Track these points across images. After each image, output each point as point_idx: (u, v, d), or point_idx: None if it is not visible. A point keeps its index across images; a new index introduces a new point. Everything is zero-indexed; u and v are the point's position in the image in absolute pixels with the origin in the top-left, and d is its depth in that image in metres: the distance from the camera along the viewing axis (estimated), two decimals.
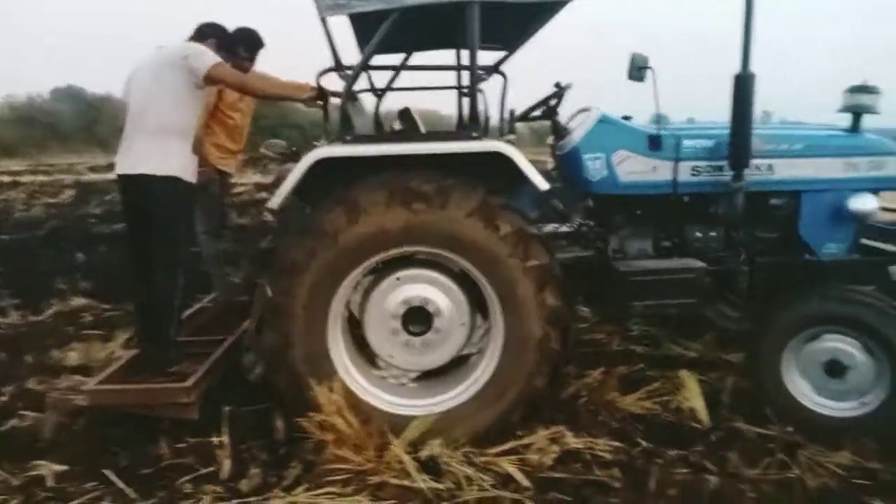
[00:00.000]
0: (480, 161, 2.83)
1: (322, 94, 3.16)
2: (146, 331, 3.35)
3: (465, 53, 3.99)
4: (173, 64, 3.14)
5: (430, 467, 2.68)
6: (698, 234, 3.46)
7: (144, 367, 3.16)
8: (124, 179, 3.22)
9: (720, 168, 3.34)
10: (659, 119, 3.43)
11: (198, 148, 4.04)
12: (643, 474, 2.64)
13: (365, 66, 2.95)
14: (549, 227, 3.78)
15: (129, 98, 3.25)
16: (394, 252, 2.86)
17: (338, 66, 2.94)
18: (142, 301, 3.36)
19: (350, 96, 2.95)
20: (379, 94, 4.04)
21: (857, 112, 3.47)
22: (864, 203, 3.34)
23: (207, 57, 3.16)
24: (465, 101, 4.28)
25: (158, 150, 3.12)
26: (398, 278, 2.95)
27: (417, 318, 2.96)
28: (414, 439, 2.81)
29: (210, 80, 3.19)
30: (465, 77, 4.15)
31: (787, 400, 3.19)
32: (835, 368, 3.12)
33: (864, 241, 3.58)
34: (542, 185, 2.84)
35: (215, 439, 2.90)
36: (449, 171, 2.82)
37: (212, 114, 4.39)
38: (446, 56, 4.11)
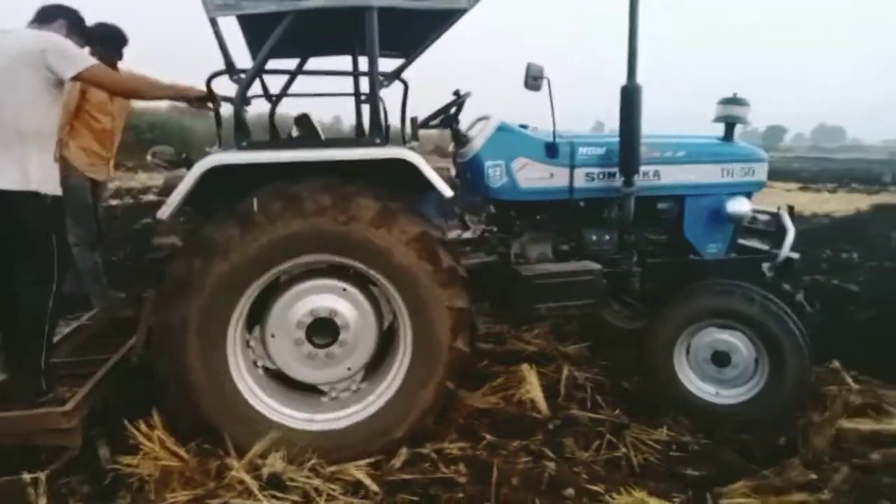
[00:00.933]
0: (382, 169, 2.80)
1: (212, 97, 3.00)
2: (12, 357, 3.01)
3: (363, 59, 4.00)
4: (27, 58, 2.71)
5: (275, 484, 2.60)
6: (594, 238, 3.60)
7: (14, 398, 2.82)
8: None
9: (612, 174, 3.50)
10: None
11: (58, 153, 3.74)
12: (487, 467, 2.70)
13: (259, 71, 2.84)
14: (453, 234, 3.82)
15: None
16: (293, 263, 2.77)
17: (230, 70, 2.81)
18: (6, 328, 3.01)
19: (243, 101, 2.82)
20: (273, 99, 3.91)
21: (729, 122, 3.76)
22: (739, 206, 3.62)
23: (76, 55, 2.83)
24: (365, 108, 4.26)
25: (15, 161, 2.74)
26: (344, 289, 2.89)
27: (322, 330, 2.88)
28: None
29: (81, 80, 2.90)
30: (365, 84, 4.14)
31: (678, 390, 3.39)
32: (720, 358, 3.35)
33: (741, 240, 3.87)
34: (447, 191, 2.85)
35: (27, 475, 2.56)
36: (349, 179, 2.77)
37: (76, 115, 4.07)
38: (343, 62, 4.06)
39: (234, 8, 2.59)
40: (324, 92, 3.97)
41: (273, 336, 2.86)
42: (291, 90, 3.86)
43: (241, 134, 2.75)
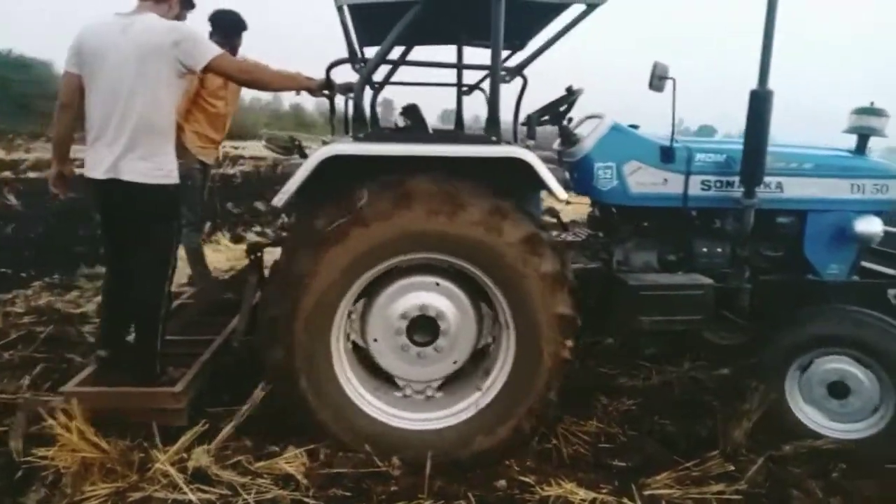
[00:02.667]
0: (494, 166, 2.70)
1: (332, 85, 2.97)
2: (117, 337, 3.10)
3: (469, 51, 3.91)
4: (160, 51, 2.74)
5: (201, 478, 2.53)
6: (705, 250, 3.41)
7: (131, 377, 2.90)
8: (105, 184, 2.82)
9: (731, 184, 3.30)
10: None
11: (179, 138, 3.81)
12: (421, 460, 2.65)
13: (383, 59, 2.78)
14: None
15: (96, 81, 2.78)
16: (400, 259, 2.71)
17: (352, 58, 2.76)
18: (117, 308, 3.10)
19: (363, 90, 2.77)
20: (376, 87, 3.88)
21: (863, 134, 3.47)
22: (869, 225, 3.34)
23: (206, 46, 2.85)
24: (467, 100, 4.17)
25: (147, 153, 2.79)
26: (437, 283, 2.82)
27: (424, 328, 2.82)
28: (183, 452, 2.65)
29: (211, 71, 2.92)
30: (470, 75, 4.05)
31: (790, 421, 3.17)
32: (839, 390, 3.11)
33: (864, 263, 3.59)
34: (562, 194, 2.72)
35: None
36: (459, 174, 2.68)
37: (193, 100, 4.14)
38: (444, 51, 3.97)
39: None
40: (427, 82, 3.91)
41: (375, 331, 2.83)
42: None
43: (360, 124, 2.70)
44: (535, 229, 2.72)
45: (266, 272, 3.22)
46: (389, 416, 2.84)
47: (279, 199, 2.61)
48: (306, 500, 2.47)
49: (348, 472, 2.63)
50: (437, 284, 2.84)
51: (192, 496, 2.41)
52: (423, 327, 2.83)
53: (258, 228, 7.79)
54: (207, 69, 2.87)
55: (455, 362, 2.88)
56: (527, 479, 2.65)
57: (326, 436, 2.73)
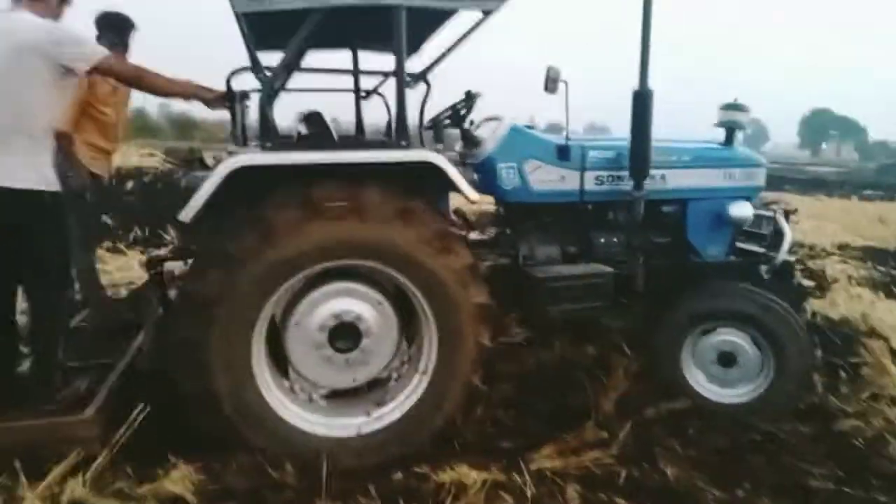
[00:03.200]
0: (401, 169, 2.76)
1: (231, 95, 2.90)
2: (8, 360, 2.87)
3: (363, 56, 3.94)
4: (38, 50, 2.58)
5: None
6: (602, 240, 3.64)
7: (29, 398, 2.68)
8: None
9: (621, 178, 3.54)
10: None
11: (70, 149, 3.57)
12: (315, 463, 2.69)
13: (288, 67, 2.76)
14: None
15: None
16: (317, 268, 2.71)
17: (255, 67, 2.71)
18: (5, 329, 2.87)
19: (270, 99, 2.74)
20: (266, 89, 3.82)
21: (730, 127, 3.85)
22: (741, 210, 3.71)
23: (91, 47, 2.72)
24: (364, 104, 4.19)
25: (29, 159, 2.62)
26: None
27: (344, 335, 2.83)
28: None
29: (98, 73, 2.76)
30: (366, 81, 4.07)
31: (685, 390, 3.46)
32: (727, 358, 3.44)
33: (741, 244, 3.97)
34: (473, 195, 2.83)
35: None
36: (364, 179, 2.71)
37: (81, 109, 3.88)
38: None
39: (262, 3, 2.51)
40: (323, 88, 3.89)
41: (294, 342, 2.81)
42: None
43: (268, 133, 2.67)
44: (445, 226, 2.81)
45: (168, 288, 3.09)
46: (313, 424, 2.82)
47: (186, 215, 2.52)
48: None
49: (240, 486, 2.57)
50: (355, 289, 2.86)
51: None
52: (344, 335, 2.84)
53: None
54: (95, 70, 2.72)
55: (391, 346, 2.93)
56: (421, 470, 2.75)
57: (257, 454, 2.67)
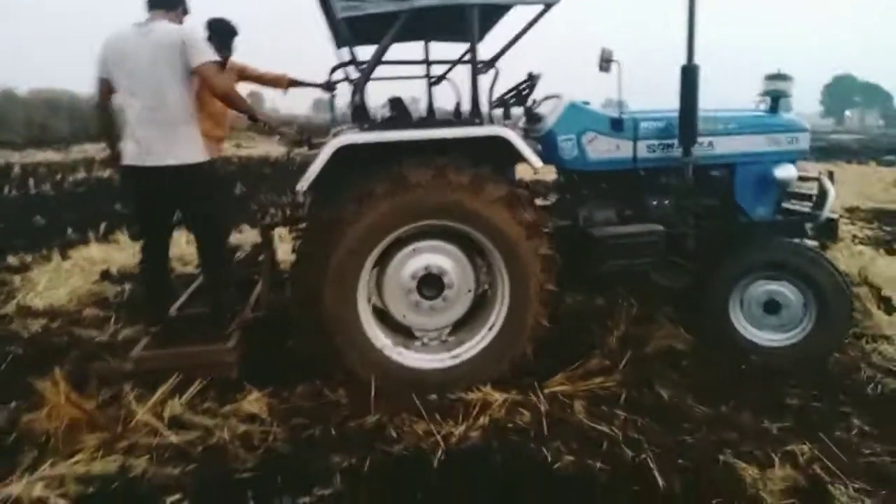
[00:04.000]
0: (476, 144, 3.25)
1: (331, 85, 3.46)
2: (160, 307, 3.61)
3: (437, 47, 4.44)
4: (172, 49, 3.21)
5: (178, 423, 2.97)
6: (654, 203, 4.03)
7: (210, 328, 3.43)
8: (140, 170, 3.30)
9: (671, 145, 3.91)
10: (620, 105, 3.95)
11: None
12: (366, 387, 3.21)
13: (378, 62, 3.28)
14: None
15: (125, 82, 3.26)
16: (410, 227, 3.24)
17: (353, 62, 3.25)
18: (155, 281, 3.60)
19: (363, 89, 3.28)
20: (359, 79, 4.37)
21: (775, 96, 4.15)
22: (786, 171, 4.02)
23: (200, 50, 3.28)
24: (436, 90, 4.70)
25: (184, 138, 3.30)
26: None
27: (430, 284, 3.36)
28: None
29: (195, 74, 3.32)
30: (437, 69, 4.57)
31: (733, 335, 3.83)
32: (772, 306, 3.79)
33: (788, 204, 4.27)
34: (538, 163, 3.29)
35: None
36: (444, 152, 3.21)
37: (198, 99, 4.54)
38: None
39: (358, 9, 3.03)
40: (402, 76, 4.41)
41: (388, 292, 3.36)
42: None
43: (362, 117, 3.21)
44: (513, 189, 3.29)
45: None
46: (405, 358, 3.37)
47: (303, 185, 3.09)
48: (272, 430, 2.94)
49: (305, 406, 3.16)
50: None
51: (173, 438, 2.83)
52: (430, 283, 3.36)
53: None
54: (194, 72, 3.31)
55: (469, 291, 3.45)
56: (454, 394, 3.29)
57: (353, 377, 3.25)
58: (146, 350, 3.26)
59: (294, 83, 4.56)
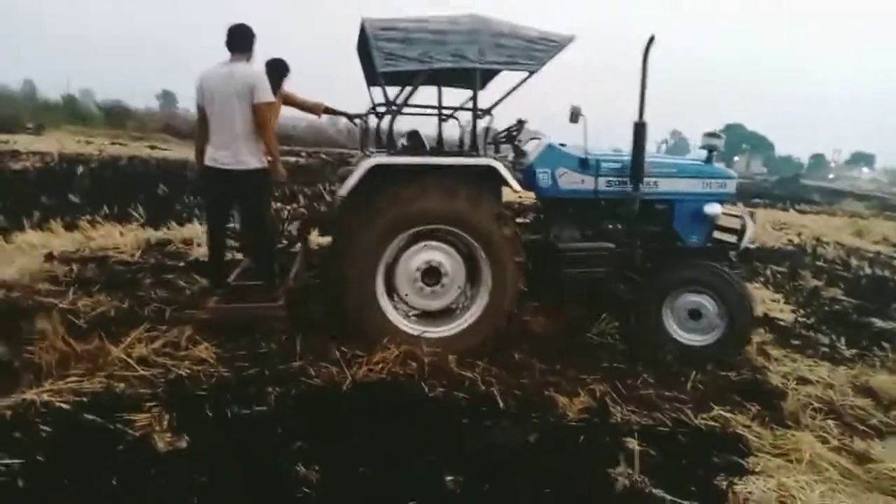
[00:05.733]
0: (474, 170, 4.33)
1: (356, 116, 4.58)
2: (216, 273, 4.69)
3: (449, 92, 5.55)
4: (247, 86, 4.28)
5: (144, 362, 3.84)
6: (610, 226, 5.11)
7: (260, 293, 4.44)
8: (219, 171, 4.39)
9: (625, 182, 5.00)
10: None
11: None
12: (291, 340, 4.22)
13: (405, 104, 4.40)
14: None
15: (215, 109, 4.36)
16: (420, 227, 4.31)
17: (387, 103, 4.35)
18: (217, 255, 4.66)
19: (392, 122, 4.40)
20: (391, 115, 5.48)
21: (710, 149, 5.27)
22: (714, 209, 5.12)
23: (261, 91, 4.34)
24: (445, 125, 5.81)
25: (248, 150, 4.36)
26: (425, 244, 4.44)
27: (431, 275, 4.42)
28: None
29: (256, 109, 4.35)
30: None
31: (664, 334, 4.88)
32: (694, 314, 4.86)
33: (714, 234, 5.36)
34: (517, 188, 4.37)
35: None
36: (449, 175, 4.29)
37: None
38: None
39: (395, 66, 4.11)
40: (419, 112, 5.50)
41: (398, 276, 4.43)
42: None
43: (392, 144, 4.30)
44: (500, 208, 4.36)
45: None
46: (408, 328, 4.42)
47: (343, 192, 4.15)
48: (219, 370, 3.85)
49: (244, 353, 4.04)
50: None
51: (141, 372, 3.72)
52: (431, 274, 4.42)
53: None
54: (254, 107, 4.38)
55: (459, 287, 4.50)
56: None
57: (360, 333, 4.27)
58: (214, 305, 4.28)
59: (328, 111, 5.67)
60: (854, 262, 10.27)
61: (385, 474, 2.93)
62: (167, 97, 77.18)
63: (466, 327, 4.45)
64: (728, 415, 3.89)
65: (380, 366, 4.00)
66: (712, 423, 3.79)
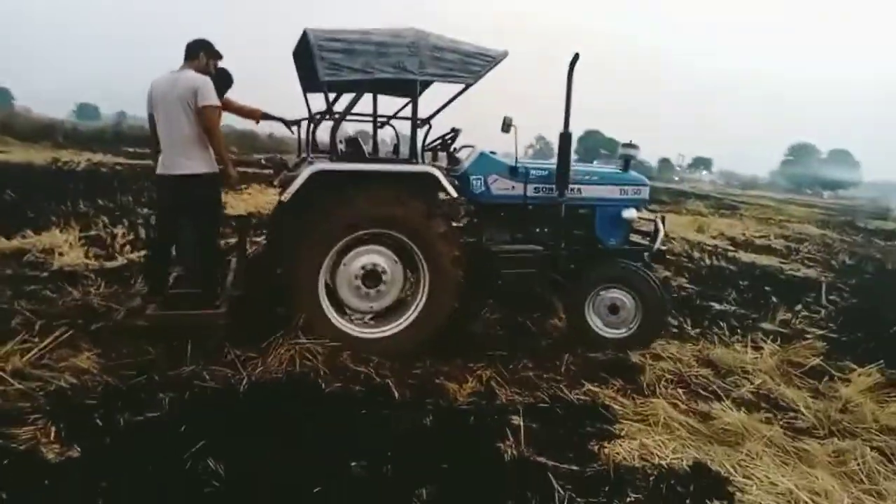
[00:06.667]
0: (411, 175, 4.56)
1: (292, 122, 4.71)
2: (159, 282, 4.66)
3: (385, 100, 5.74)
4: (189, 93, 4.33)
5: (19, 375, 3.71)
6: (537, 230, 5.47)
7: (198, 301, 4.44)
8: (172, 178, 4.41)
9: (551, 188, 5.37)
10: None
11: None
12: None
13: (349, 112, 4.56)
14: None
15: (162, 116, 4.41)
16: (360, 232, 4.49)
17: (329, 112, 4.50)
18: (160, 262, 4.67)
19: (335, 130, 4.55)
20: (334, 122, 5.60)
21: (626, 159, 5.74)
22: (631, 214, 5.59)
23: (205, 95, 4.36)
24: (381, 133, 6.00)
25: (194, 155, 4.40)
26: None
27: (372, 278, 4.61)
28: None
29: (198, 115, 4.39)
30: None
31: (586, 327, 5.29)
32: (614, 309, 5.30)
33: (632, 237, 5.85)
34: (454, 194, 4.64)
35: None
36: (390, 181, 4.50)
37: None
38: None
39: (337, 75, 4.28)
40: (357, 119, 5.67)
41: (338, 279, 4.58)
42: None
43: (335, 150, 4.45)
44: (435, 209, 4.61)
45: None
46: (353, 330, 4.59)
47: (286, 196, 4.27)
48: (102, 378, 3.78)
49: (131, 362, 4.03)
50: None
51: (17, 385, 3.57)
52: (371, 277, 4.61)
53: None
54: (198, 111, 4.42)
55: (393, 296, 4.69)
56: None
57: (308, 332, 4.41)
58: (155, 312, 4.28)
59: (266, 116, 5.72)
60: (696, 254, 11.58)
61: (293, 463, 3.02)
62: (1, 94, 69.53)
63: (408, 325, 4.66)
64: (597, 389, 4.41)
65: (275, 365, 4.15)
66: (584, 398, 4.27)
